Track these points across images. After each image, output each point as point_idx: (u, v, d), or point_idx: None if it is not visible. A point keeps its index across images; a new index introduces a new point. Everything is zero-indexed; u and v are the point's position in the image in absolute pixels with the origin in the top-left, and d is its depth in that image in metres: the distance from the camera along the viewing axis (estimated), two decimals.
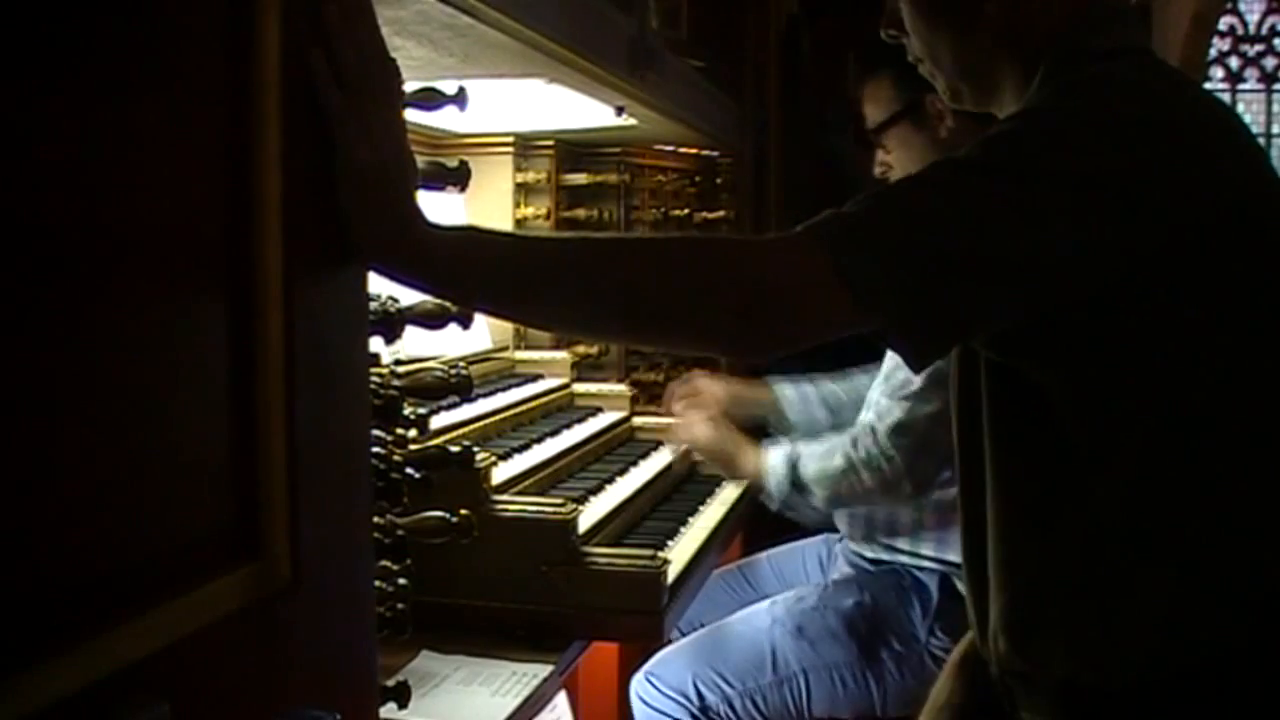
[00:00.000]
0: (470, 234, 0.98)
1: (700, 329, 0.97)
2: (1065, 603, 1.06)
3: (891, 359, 1.85)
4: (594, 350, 2.50)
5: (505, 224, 2.31)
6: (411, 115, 1.03)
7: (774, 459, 1.89)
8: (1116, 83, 1.04)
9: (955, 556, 1.83)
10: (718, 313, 0.94)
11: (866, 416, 1.86)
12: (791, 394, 2.15)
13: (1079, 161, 0.96)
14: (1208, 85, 8.11)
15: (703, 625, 2.00)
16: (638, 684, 1.88)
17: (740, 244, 1.13)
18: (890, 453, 1.77)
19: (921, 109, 1.95)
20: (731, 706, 1.82)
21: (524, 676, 1.30)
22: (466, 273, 0.92)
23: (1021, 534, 1.09)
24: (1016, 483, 1.09)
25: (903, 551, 1.91)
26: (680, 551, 1.75)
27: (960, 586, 1.82)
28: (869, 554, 1.97)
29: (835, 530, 2.09)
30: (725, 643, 1.88)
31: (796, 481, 1.86)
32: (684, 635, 2.03)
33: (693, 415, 1.96)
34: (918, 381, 1.73)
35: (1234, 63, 8.47)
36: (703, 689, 1.82)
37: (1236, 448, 1.03)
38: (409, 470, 1.09)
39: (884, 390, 1.83)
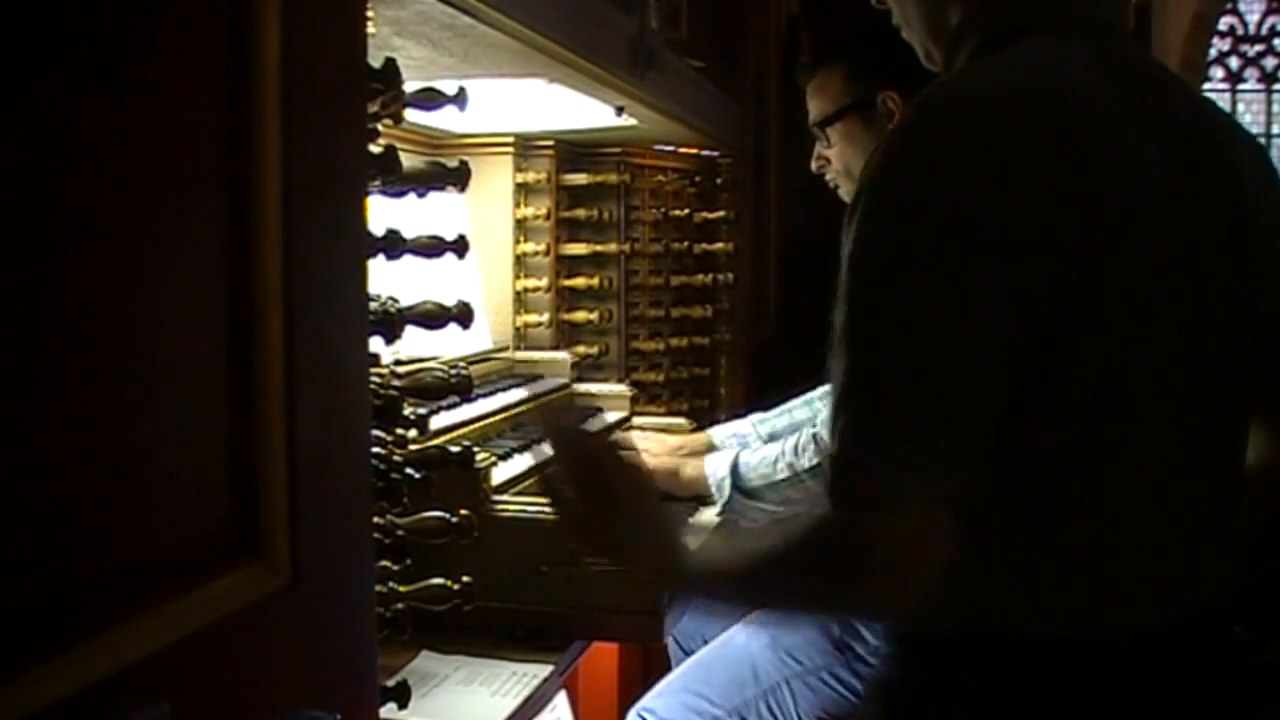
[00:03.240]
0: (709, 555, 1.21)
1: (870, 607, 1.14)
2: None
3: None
4: (594, 350, 2.50)
5: (505, 224, 2.32)
6: (411, 115, 1.04)
7: (714, 466, 1.91)
8: (956, 111, 1.03)
9: None
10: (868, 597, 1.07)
11: (806, 415, 1.87)
12: (726, 432, 2.17)
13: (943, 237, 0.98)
14: (1207, 85, 8.13)
15: (704, 640, 2.00)
16: None
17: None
18: None
19: (872, 106, 1.94)
20: None
21: (524, 676, 1.31)
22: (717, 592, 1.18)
23: None
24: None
25: None
26: None
27: None
28: None
29: None
30: (708, 666, 1.89)
31: (741, 489, 1.87)
32: (684, 650, 2.04)
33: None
34: None
35: (1234, 63, 8.48)
36: (689, 715, 1.83)
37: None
38: (409, 470, 1.09)
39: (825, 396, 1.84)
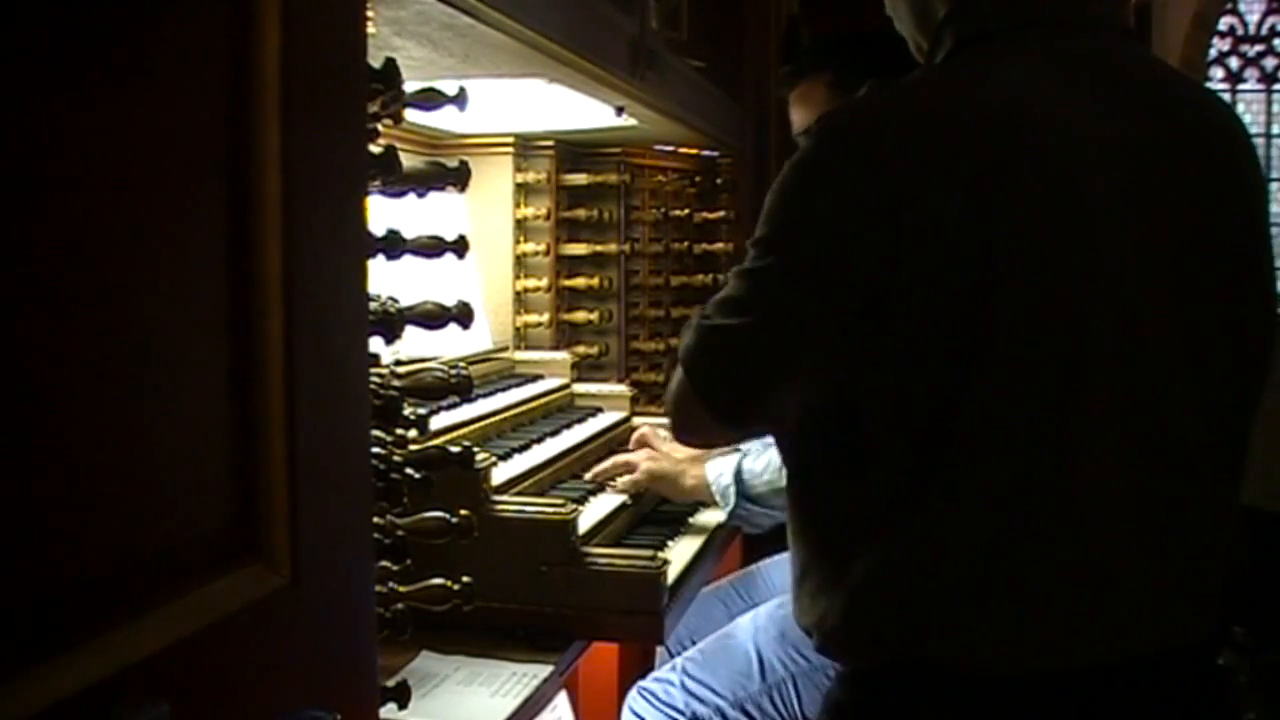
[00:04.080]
0: None
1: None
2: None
3: None
4: (594, 350, 2.50)
5: (505, 224, 2.32)
6: (411, 115, 1.04)
7: (717, 473, 1.89)
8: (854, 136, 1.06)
9: None
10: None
11: None
12: None
13: (798, 247, 1.07)
14: (1208, 85, 8.11)
15: (694, 643, 1.99)
16: (631, 700, 1.89)
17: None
18: None
19: None
20: (724, 717, 1.81)
21: (524, 676, 1.31)
22: None
23: None
24: None
25: None
26: (680, 552, 1.75)
27: None
28: None
29: None
30: (712, 656, 1.88)
31: (747, 495, 1.85)
32: (672, 655, 2.03)
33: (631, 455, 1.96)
34: None
35: (1234, 63, 8.48)
36: (693, 703, 1.82)
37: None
38: (409, 470, 1.08)
39: None
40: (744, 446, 2.13)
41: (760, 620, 1.89)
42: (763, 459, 1.86)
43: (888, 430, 1.04)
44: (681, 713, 1.82)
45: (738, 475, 1.86)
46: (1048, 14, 1.10)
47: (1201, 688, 1.09)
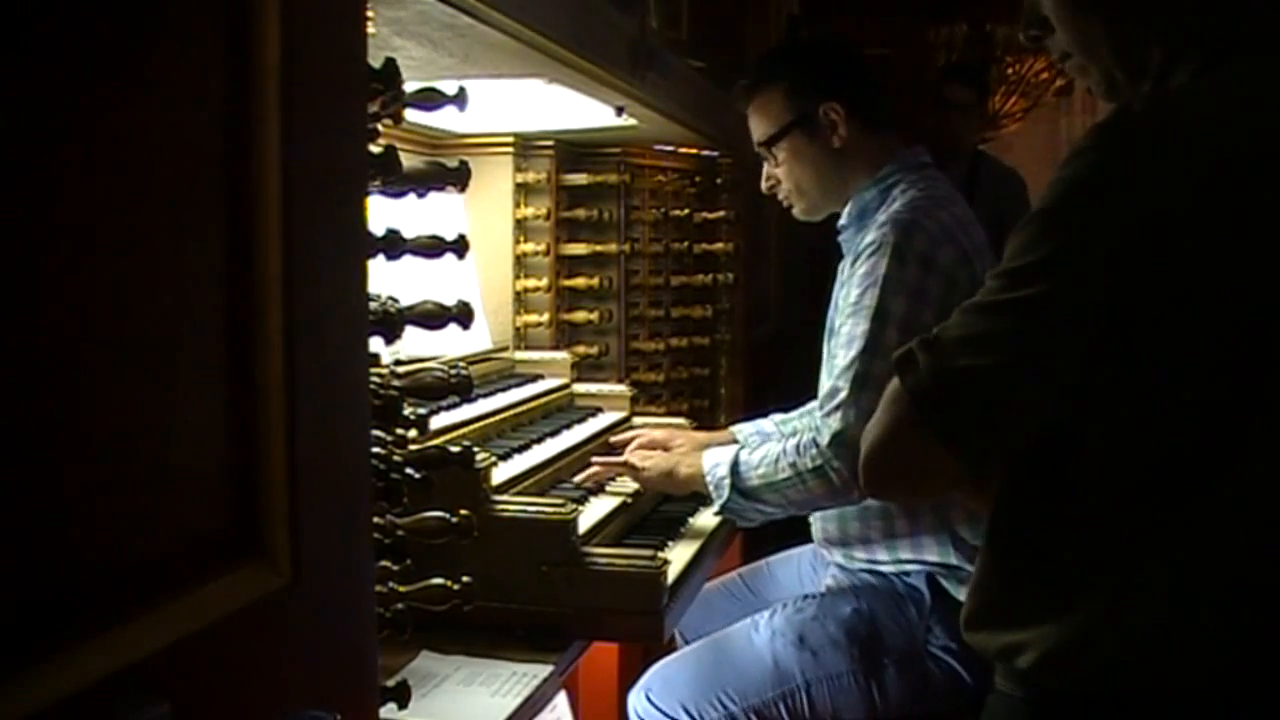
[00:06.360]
0: None
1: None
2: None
3: (824, 371, 1.86)
4: (594, 350, 2.50)
5: (505, 224, 2.32)
6: (411, 115, 1.04)
7: (714, 463, 1.88)
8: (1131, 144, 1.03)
9: (934, 556, 1.84)
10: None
11: (806, 423, 1.85)
12: (749, 430, 2.17)
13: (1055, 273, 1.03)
14: None
15: (708, 634, 1.98)
16: (635, 700, 1.87)
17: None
18: (835, 463, 1.73)
19: (814, 119, 1.94)
20: None
21: (524, 676, 1.31)
22: None
23: None
24: None
25: (882, 561, 1.90)
26: (680, 552, 1.75)
27: (946, 584, 1.83)
28: (855, 562, 1.96)
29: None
30: (725, 658, 1.85)
31: (740, 488, 1.84)
32: (688, 644, 2.01)
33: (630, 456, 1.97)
34: (845, 390, 1.74)
35: None
36: (703, 706, 1.81)
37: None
38: (409, 470, 1.09)
39: (819, 400, 1.83)
40: (740, 438, 2.14)
41: (777, 624, 1.87)
42: (759, 452, 1.85)
43: (1135, 460, 1.04)
44: (691, 716, 1.81)
45: (734, 467, 1.85)
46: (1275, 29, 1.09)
47: None
